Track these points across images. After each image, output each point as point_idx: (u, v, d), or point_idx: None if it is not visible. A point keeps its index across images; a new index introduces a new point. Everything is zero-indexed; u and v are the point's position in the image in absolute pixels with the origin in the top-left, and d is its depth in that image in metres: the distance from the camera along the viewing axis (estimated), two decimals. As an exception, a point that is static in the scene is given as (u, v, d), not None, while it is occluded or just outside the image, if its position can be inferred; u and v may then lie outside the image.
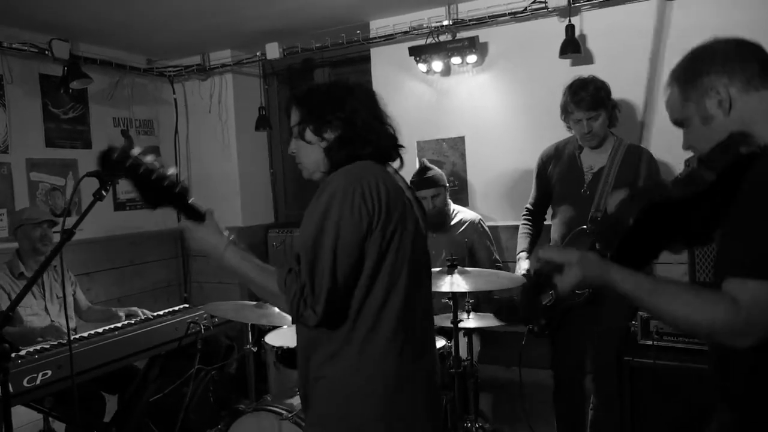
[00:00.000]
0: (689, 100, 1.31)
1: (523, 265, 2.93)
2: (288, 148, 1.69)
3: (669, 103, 1.38)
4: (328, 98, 1.60)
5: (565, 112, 2.75)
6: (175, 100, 4.64)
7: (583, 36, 3.34)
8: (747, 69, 1.26)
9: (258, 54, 4.27)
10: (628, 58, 3.22)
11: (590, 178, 2.75)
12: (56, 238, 3.19)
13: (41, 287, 3.21)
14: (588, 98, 2.64)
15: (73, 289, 3.41)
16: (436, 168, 3.30)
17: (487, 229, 3.39)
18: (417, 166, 3.80)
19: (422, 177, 3.23)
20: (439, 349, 2.88)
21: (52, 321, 3.14)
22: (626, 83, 3.11)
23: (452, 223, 3.35)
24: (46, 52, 3.74)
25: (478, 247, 3.33)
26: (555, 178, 2.90)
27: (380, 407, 1.47)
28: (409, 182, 3.30)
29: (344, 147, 1.56)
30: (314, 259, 1.41)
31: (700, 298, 1.13)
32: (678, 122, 1.37)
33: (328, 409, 1.50)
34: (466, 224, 3.34)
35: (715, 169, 1.18)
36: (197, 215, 1.51)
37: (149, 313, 3.18)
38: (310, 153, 1.61)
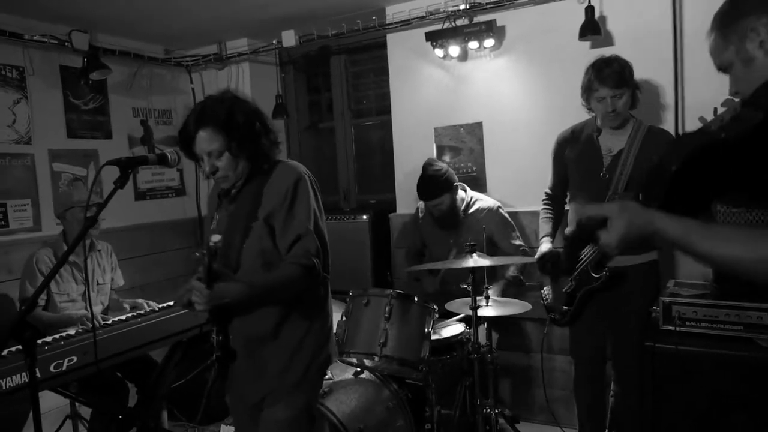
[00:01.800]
0: (730, 44, 1.31)
1: (543, 249, 2.90)
2: (206, 167, 1.95)
3: (711, 49, 1.38)
4: (247, 114, 1.95)
5: (588, 90, 2.70)
6: (192, 89, 4.66)
7: (602, 17, 3.28)
8: None
9: (274, 42, 4.27)
10: (649, 40, 3.16)
11: (609, 161, 2.71)
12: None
13: (83, 272, 3.26)
14: (613, 75, 2.60)
15: (112, 275, 3.47)
16: (441, 169, 3.23)
17: (506, 216, 3.37)
18: (434, 153, 3.81)
19: (424, 190, 3.23)
20: (458, 335, 2.89)
21: (86, 309, 3.19)
22: (647, 65, 3.05)
23: (470, 211, 3.33)
24: (66, 44, 3.78)
25: (499, 236, 3.30)
26: (572, 162, 2.86)
27: (328, 332, 2.14)
28: (416, 186, 3.32)
29: (266, 154, 2.00)
30: (318, 230, 1.97)
31: (757, 234, 1.08)
32: (721, 68, 1.37)
33: (303, 341, 2.02)
34: (485, 212, 3.32)
35: (763, 108, 1.15)
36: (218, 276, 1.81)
37: (154, 305, 3.19)
38: (237, 166, 1.96)
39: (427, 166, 3.26)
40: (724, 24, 1.33)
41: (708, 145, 1.17)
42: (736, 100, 1.37)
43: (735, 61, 1.31)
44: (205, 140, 1.90)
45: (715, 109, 2.17)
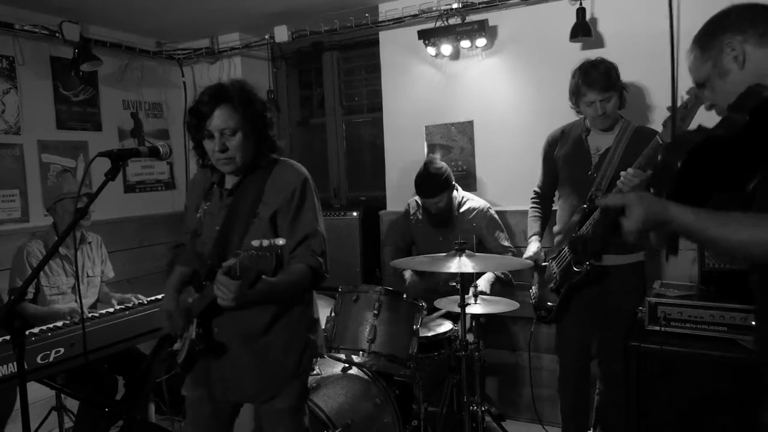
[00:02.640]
0: (708, 60, 1.44)
1: (532, 248, 2.93)
2: (217, 145, 1.92)
3: (691, 65, 1.51)
4: (261, 103, 2.01)
5: (576, 95, 2.72)
6: (184, 83, 4.64)
7: (594, 19, 3.31)
8: (759, 26, 1.38)
9: (267, 37, 4.27)
10: (639, 42, 3.19)
11: (597, 160, 2.74)
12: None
13: (73, 265, 3.24)
14: (600, 79, 2.62)
15: (102, 268, 3.45)
16: (440, 168, 3.24)
17: (496, 216, 3.39)
18: (425, 151, 3.82)
19: (425, 186, 3.22)
20: (446, 332, 2.91)
21: (76, 301, 3.18)
22: (638, 66, 3.08)
23: (461, 210, 3.35)
24: (57, 35, 3.75)
25: (487, 237, 3.32)
26: (561, 161, 2.89)
27: (317, 326, 2.19)
28: (414, 183, 3.34)
29: (274, 144, 2.05)
30: (322, 233, 2.01)
31: (765, 219, 1.18)
32: (699, 83, 1.49)
33: (295, 336, 2.06)
34: (475, 212, 3.34)
35: (745, 110, 1.27)
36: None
37: (143, 299, 3.19)
38: (247, 148, 1.96)
39: (429, 164, 3.26)
40: (704, 41, 1.45)
41: (707, 141, 1.31)
42: (706, 104, 1.51)
43: (712, 74, 1.43)
44: (221, 117, 1.91)
45: (681, 97, 2.23)
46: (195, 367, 2.06)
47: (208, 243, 2.03)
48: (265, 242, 1.62)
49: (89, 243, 3.37)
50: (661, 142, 2.29)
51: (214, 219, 2.04)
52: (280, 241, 1.65)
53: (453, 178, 3.32)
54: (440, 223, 3.34)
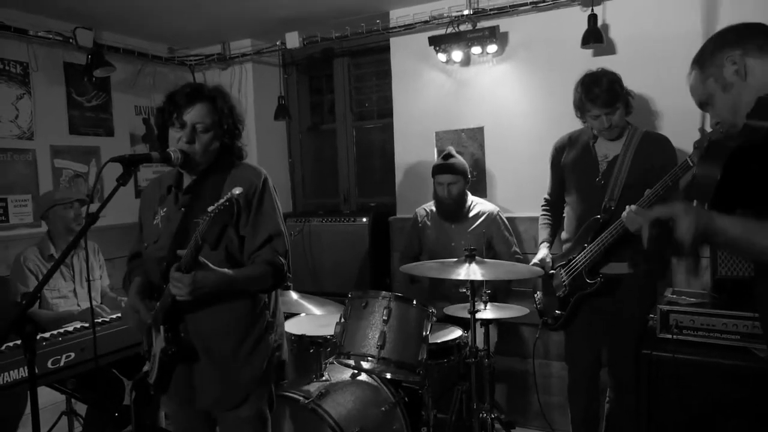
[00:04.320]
0: (709, 77, 1.45)
1: (540, 254, 2.92)
2: (186, 136, 1.93)
3: (692, 86, 1.52)
4: (239, 113, 2.06)
5: (581, 110, 2.70)
6: (195, 88, 4.67)
7: (605, 26, 3.30)
8: (757, 38, 1.41)
9: (278, 43, 4.29)
10: (651, 48, 3.17)
11: (605, 167, 2.73)
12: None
13: (71, 269, 3.25)
14: (603, 94, 2.59)
15: (100, 273, 3.46)
16: (460, 157, 3.33)
17: (505, 220, 3.39)
18: (435, 157, 3.82)
19: (443, 162, 3.28)
20: (456, 339, 2.90)
21: (78, 304, 3.19)
22: (650, 73, 3.07)
23: (470, 215, 3.35)
24: (71, 41, 3.79)
25: (497, 240, 3.32)
26: (569, 168, 2.87)
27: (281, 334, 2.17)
28: (432, 168, 3.38)
29: (240, 152, 2.08)
30: (285, 233, 2.01)
31: None
32: (702, 103, 1.50)
33: (260, 341, 2.04)
34: (485, 216, 3.34)
35: (765, 116, 1.29)
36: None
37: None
38: (213, 149, 1.99)
39: (451, 150, 3.36)
40: (703, 59, 1.48)
41: (738, 151, 1.33)
42: (713, 122, 1.53)
43: (715, 90, 1.45)
44: (199, 112, 1.94)
45: (695, 144, 2.21)
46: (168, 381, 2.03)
47: (165, 247, 1.99)
48: (221, 200, 1.65)
49: (84, 249, 3.36)
50: (692, 164, 2.25)
51: (171, 223, 2.02)
52: (237, 191, 1.66)
53: (469, 174, 3.36)
54: (451, 215, 3.34)
